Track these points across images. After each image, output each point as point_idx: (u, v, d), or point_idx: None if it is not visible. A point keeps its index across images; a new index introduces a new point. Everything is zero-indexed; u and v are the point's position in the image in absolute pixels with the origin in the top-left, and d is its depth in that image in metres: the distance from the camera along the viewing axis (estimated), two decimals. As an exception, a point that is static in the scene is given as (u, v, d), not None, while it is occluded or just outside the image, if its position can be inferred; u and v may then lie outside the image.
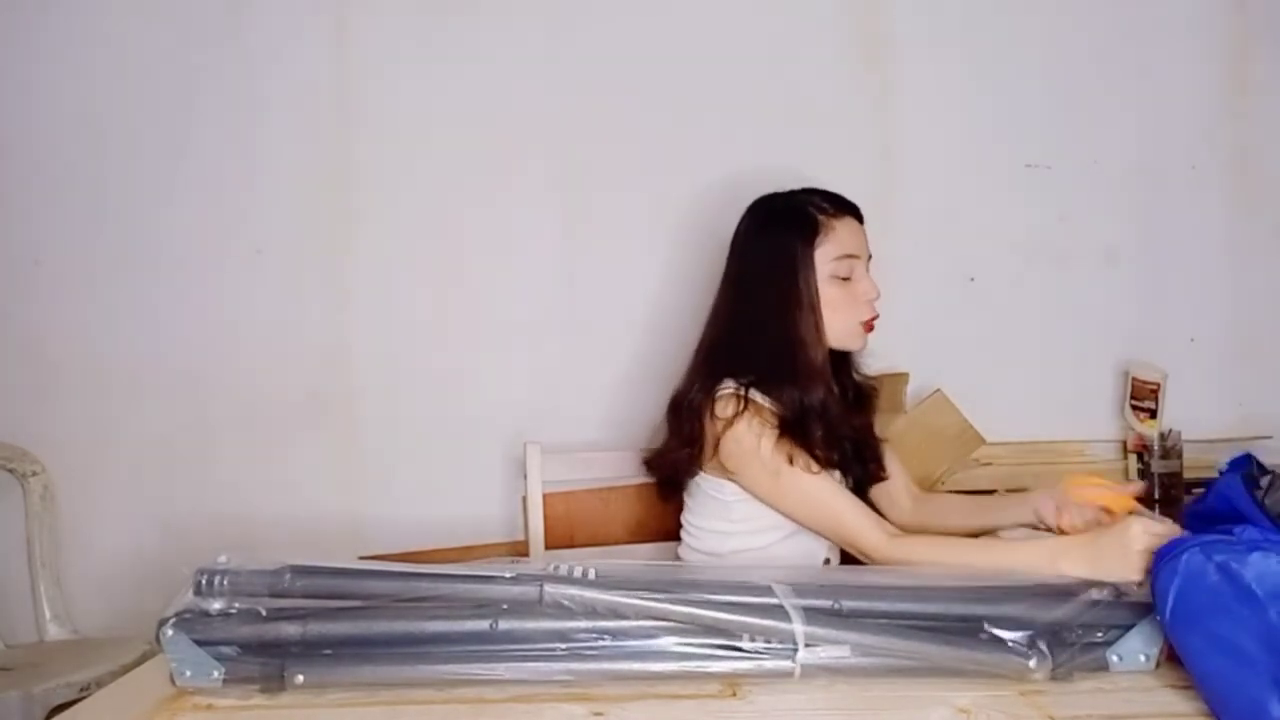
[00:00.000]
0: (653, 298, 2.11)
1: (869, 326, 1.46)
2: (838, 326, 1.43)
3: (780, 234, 1.44)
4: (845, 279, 1.43)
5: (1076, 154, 2.16)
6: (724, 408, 1.39)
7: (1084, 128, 2.17)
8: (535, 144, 2.12)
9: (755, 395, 1.40)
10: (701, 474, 1.47)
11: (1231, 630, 0.88)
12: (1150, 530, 1.08)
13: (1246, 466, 1.04)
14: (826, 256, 1.42)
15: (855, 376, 1.54)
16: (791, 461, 1.36)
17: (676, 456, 1.48)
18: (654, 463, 1.56)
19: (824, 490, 1.37)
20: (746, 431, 1.37)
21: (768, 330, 1.42)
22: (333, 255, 2.11)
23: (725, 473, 1.42)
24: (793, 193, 1.50)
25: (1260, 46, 2.18)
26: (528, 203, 2.12)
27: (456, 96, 2.10)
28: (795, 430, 1.38)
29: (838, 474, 1.45)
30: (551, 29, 2.11)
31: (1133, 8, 2.17)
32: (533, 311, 2.12)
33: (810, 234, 1.42)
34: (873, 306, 1.45)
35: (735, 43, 2.13)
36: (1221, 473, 1.06)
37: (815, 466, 1.37)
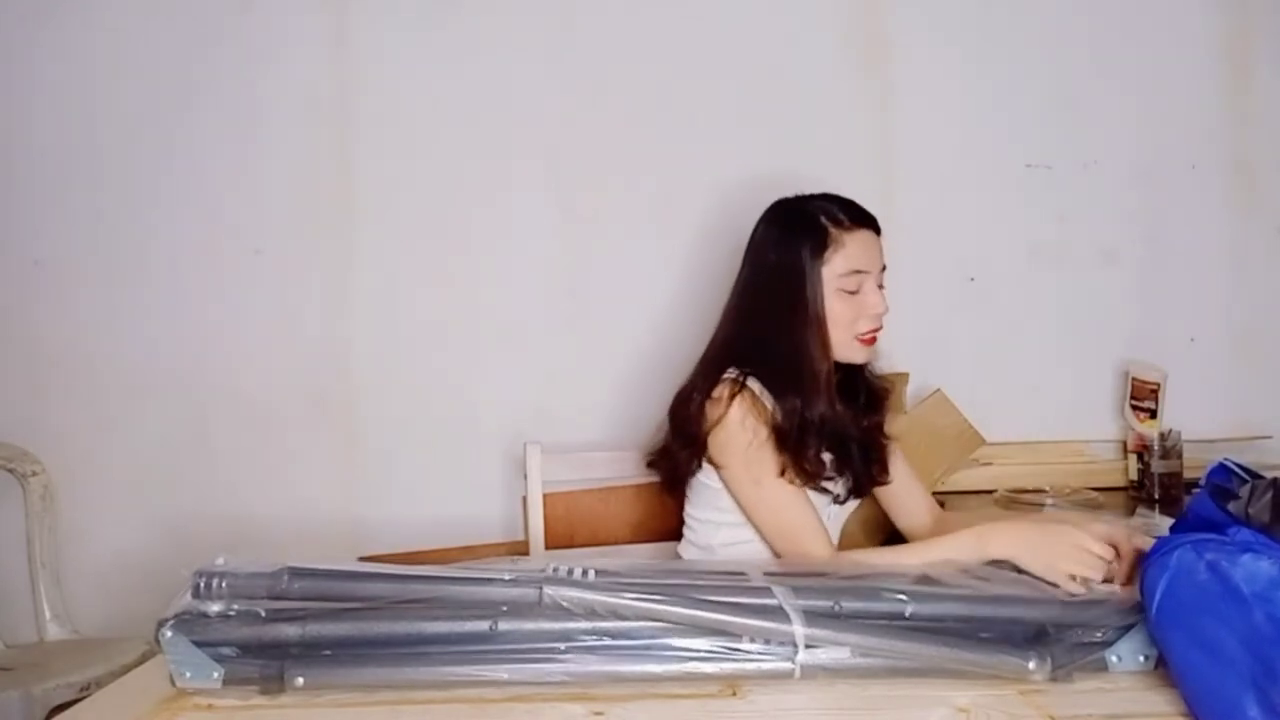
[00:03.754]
0: (652, 298, 2.11)
1: (867, 340, 1.43)
2: (835, 340, 1.42)
3: (790, 244, 1.42)
4: (852, 293, 1.41)
5: (1076, 154, 2.16)
6: (720, 392, 1.39)
7: (1084, 128, 2.17)
8: (535, 144, 2.12)
9: (752, 384, 1.39)
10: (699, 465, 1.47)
11: (1216, 629, 0.88)
12: (1094, 540, 1.15)
13: (1223, 477, 1.04)
14: (834, 272, 1.40)
15: (868, 376, 1.53)
16: (780, 473, 1.36)
17: (678, 456, 1.47)
18: (656, 461, 1.55)
19: (795, 506, 1.37)
20: (740, 429, 1.36)
21: (774, 340, 1.41)
22: (333, 255, 2.11)
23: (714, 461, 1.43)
24: (810, 199, 1.47)
25: (1260, 47, 2.17)
26: (528, 203, 2.12)
27: (456, 96, 2.11)
28: (788, 441, 1.37)
29: (838, 481, 1.44)
30: (552, 29, 2.11)
31: (1133, 8, 2.16)
32: (533, 312, 2.13)
33: (820, 248, 1.40)
34: (875, 320, 1.42)
35: (735, 43, 2.13)
36: (1199, 486, 1.06)
37: (799, 480, 1.37)
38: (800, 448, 1.37)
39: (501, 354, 2.12)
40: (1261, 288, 2.18)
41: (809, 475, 1.38)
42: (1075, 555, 1.15)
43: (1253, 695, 0.85)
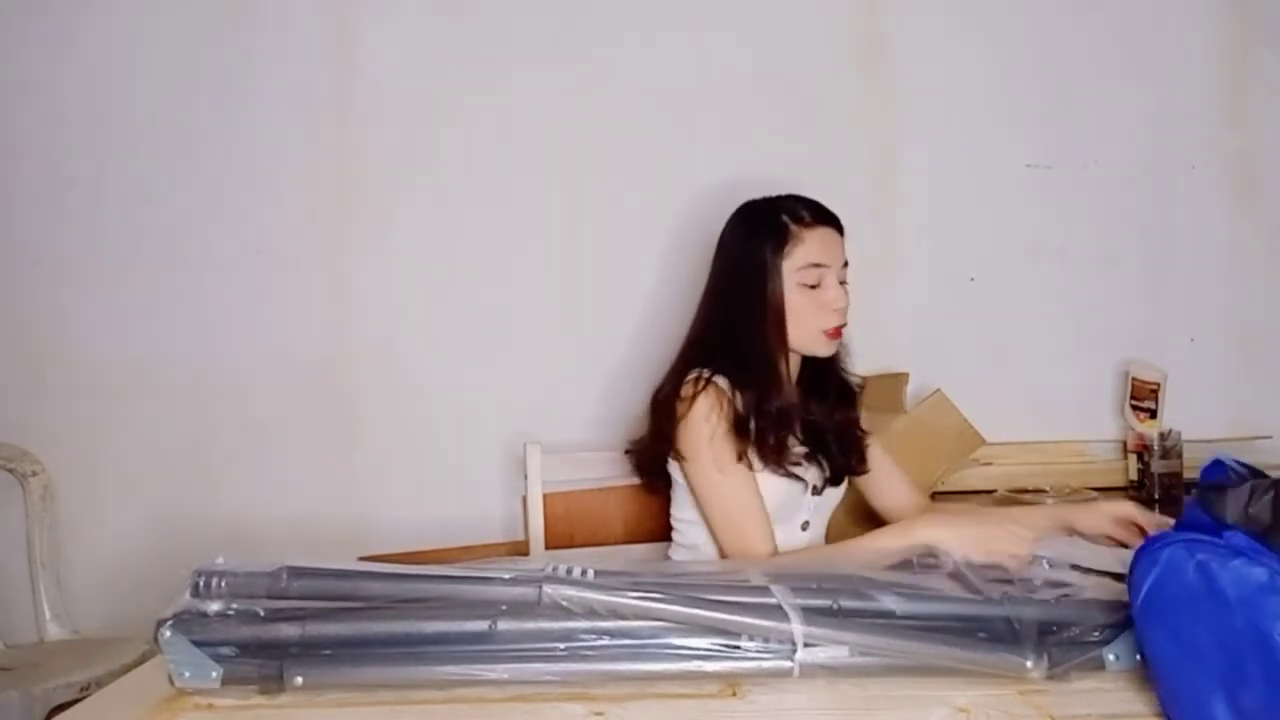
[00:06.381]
0: (652, 298, 2.11)
1: (833, 334, 1.46)
2: (799, 333, 1.46)
3: (752, 240, 1.47)
4: (813, 287, 1.44)
5: (1076, 154, 2.17)
6: (686, 389, 1.43)
7: (1084, 128, 2.17)
8: (534, 145, 2.12)
9: (718, 380, 1.43)
10: (673, 463, 1.50)
11: (1195, 628, 0.88)
12: (1023, 536, 1.18)
13: (1218, 475, 1.03)
14: (794, 265, 1.44)
15: (840, 374, 1.56)
16: (739, 459, 1.40)
17: (653, 449, 1.52)
18: (634, 453, 1.61)
19: (748, 499, 1.41)
20: (703, 422, 1.40)
21: (736, 333, 1.46)
22: (333, 255, 2.11)
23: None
24: (774, 199, 1.51)
25: (1260, 46, 2.17)
26: (527, 203, 2.12)
27: (456, 96, 2.11)
28: (747, 430, 1.41)
29: (809, 468, 1.48)
30: (551, 30, 2.11)
31: (1133, 8, 2.16)
32: (532, 312, 2.13)
33: (780, 243, 1.44)
34: (839, 315, 1.46)
35: (736, 43, 2.13)
36: (1195, 488, 1.05)
37: (760, 463, 1.42)
38: (761, 435, 1.41)
39: (501, 354, 2.12)
40: (1262, 288, 2.18)
41: (769, 459, 1.42)
42: (1008, 536, 1.18)
43: (1221, 696, 0.85)
